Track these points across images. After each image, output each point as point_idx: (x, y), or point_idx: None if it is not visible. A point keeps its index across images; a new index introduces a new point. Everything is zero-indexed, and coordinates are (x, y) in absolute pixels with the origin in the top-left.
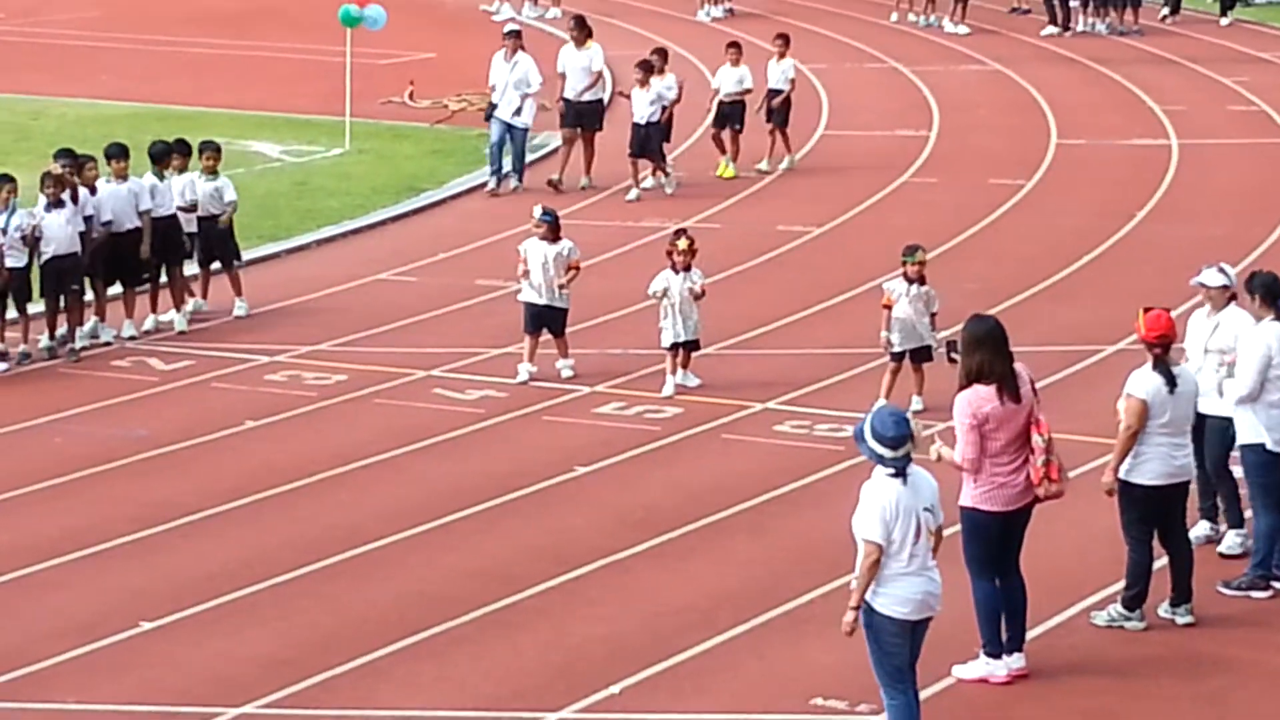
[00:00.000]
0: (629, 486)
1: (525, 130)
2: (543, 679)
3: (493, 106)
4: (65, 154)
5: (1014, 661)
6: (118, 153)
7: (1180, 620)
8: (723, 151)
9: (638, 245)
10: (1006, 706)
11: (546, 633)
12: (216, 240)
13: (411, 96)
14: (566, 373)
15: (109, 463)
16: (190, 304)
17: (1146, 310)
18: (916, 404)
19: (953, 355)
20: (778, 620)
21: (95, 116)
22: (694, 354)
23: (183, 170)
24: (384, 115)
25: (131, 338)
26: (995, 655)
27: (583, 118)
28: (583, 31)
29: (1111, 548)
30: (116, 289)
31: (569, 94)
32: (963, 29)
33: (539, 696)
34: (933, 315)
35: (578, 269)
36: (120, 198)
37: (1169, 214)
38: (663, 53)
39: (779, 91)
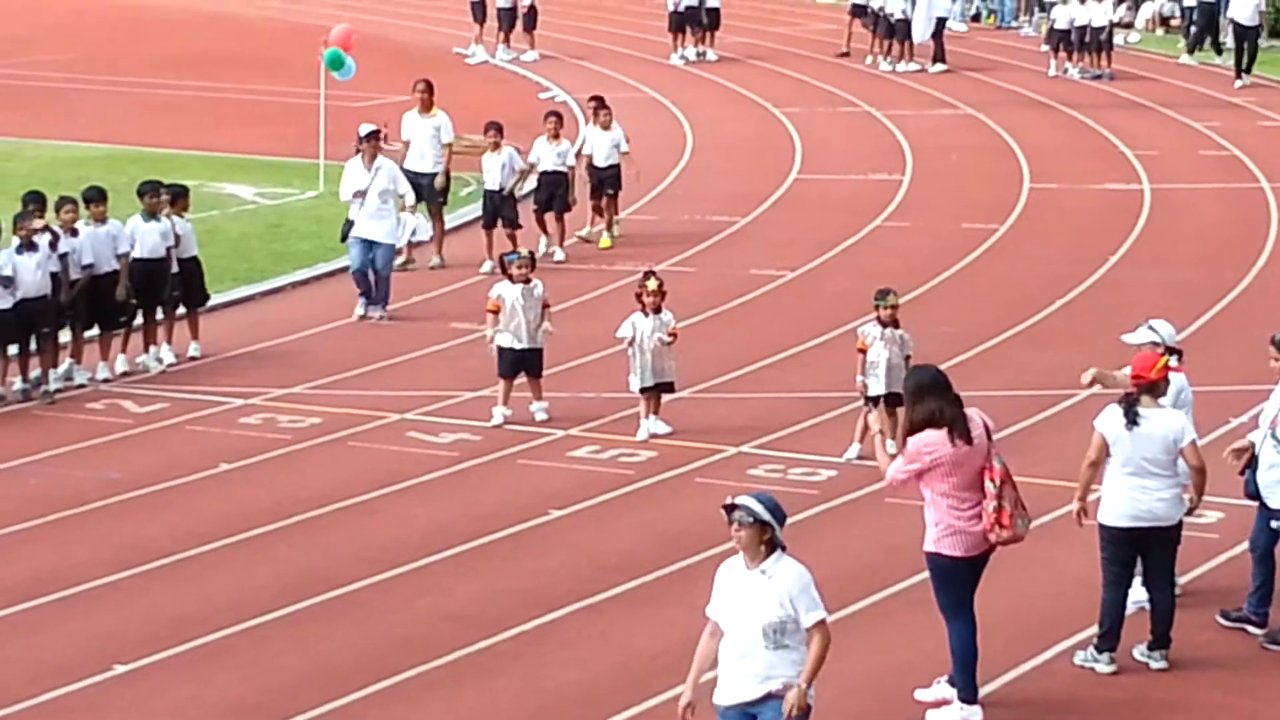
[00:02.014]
0: (604, 530)
1: (392, 248)
2: None
3: (348, 224)
4: (33, 197)
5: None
6: (96, 196)
7: (1154, 665)
8: (590, 219)
9: (611, 289)
10: None
11: (520, 677)
12: (194, 282)
13: (386, 139)
14: (540, 415)
15: (83, 505)
16: (165, 348)
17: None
18: (890, 448)
19: None
20: None
21: (69, 158)
22: (668, 397)
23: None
24: None
25: (106, 380)
26: (969, 700)
27: (422, 190)
28: (430, 95)
29: (1085, 592)
30: (93, 331)
31: (410, 165)
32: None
33: None
34: (907, 358)
35: (548, 306)
36: (99, 240)
37: (1141, 259)
38: (499, 126)
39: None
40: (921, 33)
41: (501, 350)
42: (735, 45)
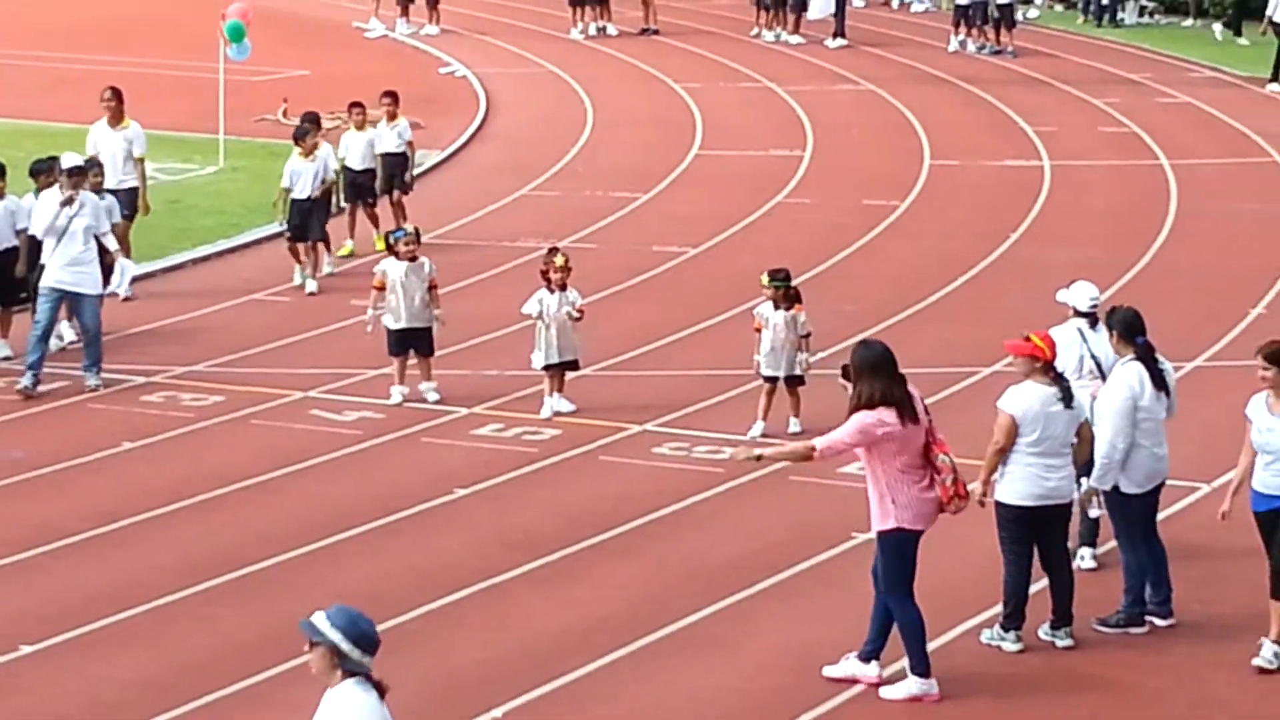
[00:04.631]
0: (508, 509)
1: (97, 301)
2: (421, 703)
3: (41, 269)
4: None
5: (870, 670)
6: None
7: (1060, 643)
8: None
9: (513, 265)
10: None
11: (424, 656)
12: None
13: (285, 114)
14: (432, 396)
15: None
16: (65, 325)
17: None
18: (795, 426)
19: (845, 381)
20: (657, 644)
21: None
22: (572, 374)
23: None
24: (258, 133)
25: (6, 358)
26: (924, 674)
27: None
28: (119, 104)
29: (991, 569)
30: None
31: (107, 182)
32: (797, 39)
33: None
34: (806, 337)
35: (436, 288)
36: None
37: (1042, 235)
38: (316, 119)
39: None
40: (820, 8)
41: (389, 331)
42: (635, 20)
